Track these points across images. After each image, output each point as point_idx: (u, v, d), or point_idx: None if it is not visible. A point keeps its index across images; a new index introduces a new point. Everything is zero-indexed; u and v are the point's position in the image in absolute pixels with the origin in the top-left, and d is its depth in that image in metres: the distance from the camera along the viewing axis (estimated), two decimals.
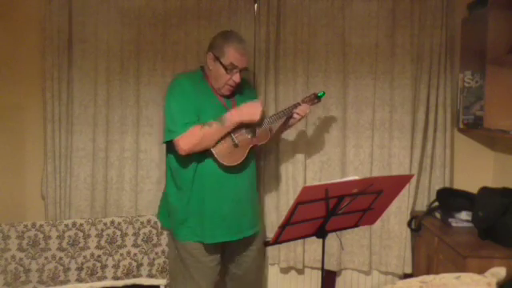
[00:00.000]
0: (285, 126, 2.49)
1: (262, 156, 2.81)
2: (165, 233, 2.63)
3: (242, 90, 2.40)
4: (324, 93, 2.46)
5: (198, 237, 2.26)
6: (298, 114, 2.36)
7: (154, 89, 2.80)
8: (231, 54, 2.21)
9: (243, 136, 2.26)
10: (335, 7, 2.75)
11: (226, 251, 2.42)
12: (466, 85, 2.65)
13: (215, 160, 2.20)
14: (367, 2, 2.74)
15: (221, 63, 2.22)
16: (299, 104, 2.39)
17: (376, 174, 2.77)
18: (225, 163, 2.20)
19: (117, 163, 2.82)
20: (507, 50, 2.33)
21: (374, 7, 2.74)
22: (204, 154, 2.20)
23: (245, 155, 2.25)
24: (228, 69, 2.22)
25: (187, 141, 2.15)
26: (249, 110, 2.21)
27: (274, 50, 2.78)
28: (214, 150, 2.19)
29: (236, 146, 2.23)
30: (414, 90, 2.74)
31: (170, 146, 2.26)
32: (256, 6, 2.78)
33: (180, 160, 2.25)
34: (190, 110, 2.20)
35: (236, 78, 2.24)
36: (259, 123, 2.28)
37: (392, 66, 2.75)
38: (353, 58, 2.77)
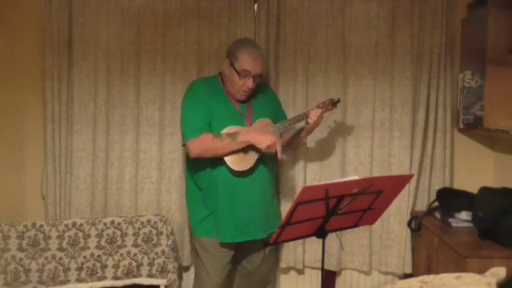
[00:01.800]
0: (305, 131, 2.49)
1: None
2: (164, 233, 2.64)
3: (259, 95, 2.45)
4: (339, 99, 2.50)
5: (213, 234, 2.36)
6: (310, 118, 2.38)
7: (154, 89, 2.80)
8: (244, 60, 2.27)
9: None
10: (335, 7, 2.75)
11: (242, 248, 2.49)
12: (466, 85, 2.65)
13: (226, 165, 2.28)
14: (367, 2, 2.74)
15: (234, 69, 2.28)
16: (312, 109, 2.42)
17: (376, 174, 2.77)
18: (235, 168, 2.28)
19: (117, 163, 2.82)
20: (507, 50, 2.33)
21: (374, 7, 2.74)
22: (217, 159, 2.28)
23: (254, 161, 2.32)
24: (241, 74, 2.28)
25: (197, 146, 2.25)
26: (265, 141, 2.25)
27: (274, 50, 2.79)
28: (224, 157, 2.27)
29: (246, 152, 2.30)
30: (414, 90, 2.74)
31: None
32: (256, 5, 2.78)
33: (196, 164, 2.36)
34: (201, 115, 2.29)
35: (249, 83, 2.30)
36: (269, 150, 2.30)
37: (392, 66, 2.75)
38: (353, 58, 2.77)
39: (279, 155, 2.27)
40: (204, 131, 2.26)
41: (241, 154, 2.29)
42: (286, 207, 2.73)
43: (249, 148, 2.30)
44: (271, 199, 2.50)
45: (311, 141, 2.80)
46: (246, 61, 2.27)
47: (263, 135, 2.28)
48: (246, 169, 2.30)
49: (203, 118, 2.29)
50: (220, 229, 2.35)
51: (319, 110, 2.40)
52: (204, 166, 2.34)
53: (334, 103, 2.47)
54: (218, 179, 2.32)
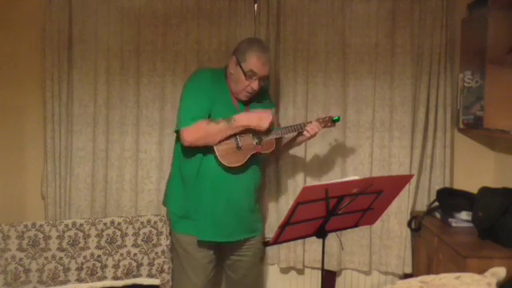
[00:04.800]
0: (294, 142, 2.48)
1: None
2: (164, 233, 2.63)
3: (259, 101, 2.40)
4: (339, 118, 2.44)
5: (192, 231, 2.30)
6: (307, 131, 2.35)
7: (154, 89, 2.80)
8: (253, 61, 2.22)
9: (248, 141, 2.27)
10: (335, 7, 2.75)
11: (222, 253, 2.44)
12: (466, 85, 2.65)
13: (216, 159, 2.22)
14: (367, 2, 2.74)
15: (241, 68, 2.23)
16: (310, 122, 2.38)
17: (376, 174, 2.77)
18: (224, 163, 2.22)
19: (117, 163, 2.82)
20: (507, 50, 2.33)
21: (374, 7, 2.74)
22: (208, 151, 2.23)
23: (245, 159, 2.25)
24: (247, 75, 2.23)
25: (191, 133, 2.18)
26: (258, 117, 2.23)
27: (274, 50, 2.78)
28: (216, 148, 2.21)
29: (239, 148, 2.24)
30: (414, 90, 2.74)
31: (179, 136, 2.28)
32: (256, 5, 2.78)
33: (186, 153, 2.28)
34: (202, 104, 2.22)
35: (254, 85, 2.25)
36: (266, 132, 2.27)
37: (392, 66, 2.75)
38: (353, 58, 2.77)
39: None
40: (201, 120, 2.19)
41: (233, 149, 2.23)
42: (286, 207, 2.74)
43: (244, 143, 2.25)
44: (254, 202, 2.42)
45: (311, 141, 2.79)
46: (254, 63, 2.22)
47: (257, 114, 2.24)
48: (235, 165, 2.23)
49: (203, 107, 2.22)
50: (199, 225, 2.28)
51: (319, 126, 2.36)
52: (194, 157, 2.26)
53: (333, 121, 2.42)
54: (205, 172, 2.25)
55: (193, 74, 2.36)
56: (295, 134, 2.42)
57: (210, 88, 2.26)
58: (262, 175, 2.50)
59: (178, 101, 2.70)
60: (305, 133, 2.36)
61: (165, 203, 2.49)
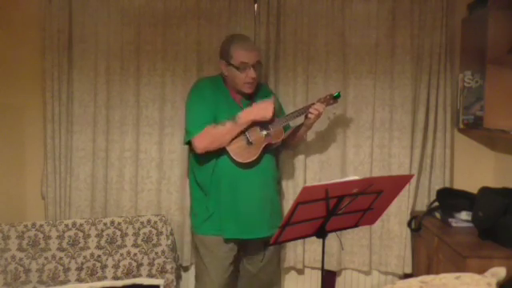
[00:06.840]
0: (304, 127, 2.51)
1: None
2: (164, 233, 2.64)
3: (260, 95, 2.46)
4: (339, 93, 2.50)
5: (215, 231, 2.35)
6: (311, 112, 2.40)
7: (154, 89, 2.80)
8: (238, 54, 2.31)
9: (257, 135, 2.33)
10: (335, 7, 2.75)
11: (244, 249, 2.48)
12: (466, 85, 2.65)
13: (230, 158, 2.29)
14: (367, 2, 2.74)
15: (233, 66, 2.31)
16: (313, 104, 2.43)
17: (376, 174, 2.77)
18: (238, 160, 2.29)
19: (117, 163, 2.82)
20: (507, 50, 2.33)
21: (374, 7, 2.74)
22: (221, 153, 2.30)
23: (258, 153, 2.32)
24: (240, 68, 2.30)
25: (202, 140, 2.27)
26: (260, 108, 2.30)
27: (274, 50, 2.79)
28: (228, 148, 2.28)
29: (250, 144, 2.31)
30: (414, 90, 2.74)
31: (191, 148, 2.38)
32: (256, 5, 2.78)
33: (200, 159, 2.36)
34: (206, 112, 2.31)
35: (251, 73, 2.32)
36: (272, 122, 2.35)
37: (392, 66, 2.75)
38: (353, 58, 2.77)
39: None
40: (207, 125, 2.27)
41: (245, 146, 2.30)
42: (286, 207, 2.74)
43: (254, 138, 2.30)
44: (274, 196, 2.49)
45: (312, 141, 2.80)
46: (242, 55, 2.30)
47: (259, 106, 2.30)
48: (249, 160, 2.30)
49: (207, 115, 2.30)
50: (223, 224, 2.34)
51: (322, 105, 2.41)
52: (208, 161, 2.34)
53: (334, 97, 2.47)
54: (221, 173, 2.32)
55: (192, 85, 2.46)
56: (301, 117, 2.47)
57: (211, 94, 2.35)
58: (276, 165, 2.55)
59: (178, 101, 2.74)
60: (309, 115, 2.41)
61: (190, 215, 2.55)
